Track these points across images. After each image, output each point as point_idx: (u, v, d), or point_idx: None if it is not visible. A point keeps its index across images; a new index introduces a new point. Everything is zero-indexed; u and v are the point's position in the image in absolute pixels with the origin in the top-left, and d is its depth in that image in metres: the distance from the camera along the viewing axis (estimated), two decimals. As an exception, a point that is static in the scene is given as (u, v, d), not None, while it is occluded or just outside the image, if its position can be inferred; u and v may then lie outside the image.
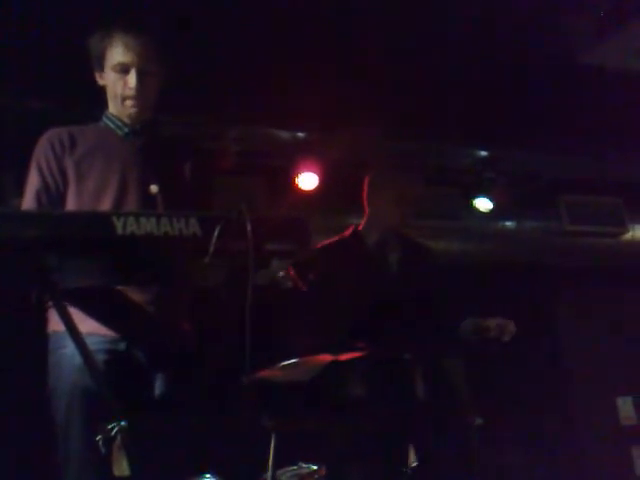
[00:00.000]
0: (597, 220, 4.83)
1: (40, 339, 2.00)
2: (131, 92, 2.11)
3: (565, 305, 5.08)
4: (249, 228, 1.51)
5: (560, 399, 4.83)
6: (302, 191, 4.12)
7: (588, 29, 3.57)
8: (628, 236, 4.93)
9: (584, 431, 4.91)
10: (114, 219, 1.49)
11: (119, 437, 1.60)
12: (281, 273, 1.63)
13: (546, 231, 4.81)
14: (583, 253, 4.94)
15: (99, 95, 2.22)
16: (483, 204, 4.55)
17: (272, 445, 2.00)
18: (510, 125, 4.04)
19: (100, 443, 1.62)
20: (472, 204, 4.56)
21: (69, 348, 1.77)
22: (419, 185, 3.03)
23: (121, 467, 1.61)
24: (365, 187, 2.91)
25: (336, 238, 2.88)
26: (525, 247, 4.81)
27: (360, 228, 2.90)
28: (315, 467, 2.67)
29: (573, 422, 4.90)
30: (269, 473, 2.04)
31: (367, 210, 2.91)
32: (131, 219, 1.50)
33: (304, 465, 2.75)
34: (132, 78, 2.09)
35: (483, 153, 4.42)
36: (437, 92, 3.75)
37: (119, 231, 1.48)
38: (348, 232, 2.91)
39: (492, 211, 4.56)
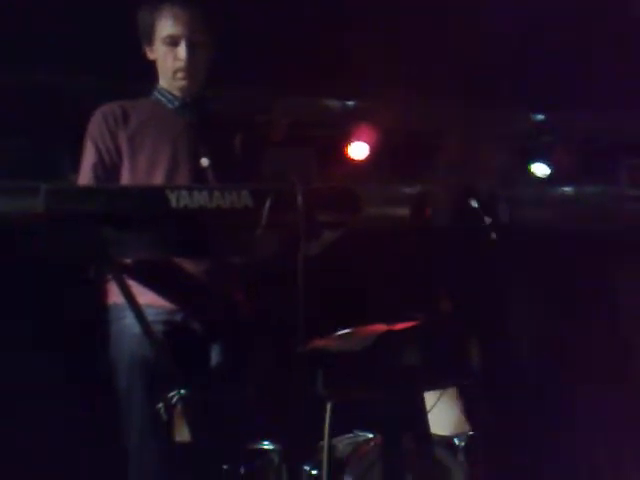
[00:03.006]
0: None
1: (101, 311, 2.06)
2: (181, 64, 2.11)
3: (626, 271, 4.95)
4: (300, 199, 1.52)
5: (621, 369, 4.72)
6: (353, 160, 4.10)
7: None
8: (693, 199, 4.75)
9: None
10: (168, 193, 1.53)
11: (179, 405, 1.65)
12: None
13: (606, 196, 4.68)
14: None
15: (151, 69, 2.24)
16: (541, 169, 4.44)
17: (328, 414, 2.02)
18: (567, 87, 3.91)
19: (161, 410, 1.66)
20: (529, 170, 4.47)
21: (129, 319, 1.82)
22: (492, 144, 2.93)
23: (182, 433, 1.66)
24: (443, 151, 2.84)
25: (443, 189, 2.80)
26: (585, 213, 4.70)
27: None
28: (371, 435, 2.70)
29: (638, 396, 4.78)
30: (325, 441, 2.06)
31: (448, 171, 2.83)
32: (184, 192, 1.53)
33: (360, 433, 2.79)
34: (182, 50, 2.10)
35: (540, 117, 4.31)
36: (492, 57, 3.65)
37: (173, 204, 1.51)
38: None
39: (550, 176, 4.46)
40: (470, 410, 2.36)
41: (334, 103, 3.91)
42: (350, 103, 3.95)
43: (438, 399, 2.36)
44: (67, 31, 3.15)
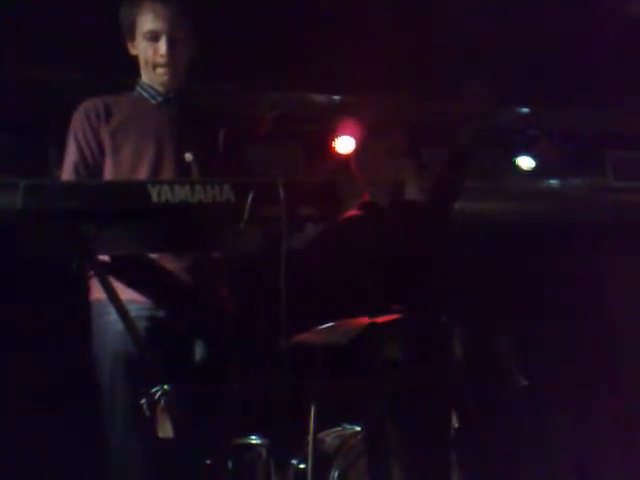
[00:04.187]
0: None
1: (83, 307, 2.05)
2: (162, 59, 2.11)
3: (611, 264, 4.99)
4: (282, 193, 1.52)
5: (608, 358, 4.77)
6: (339, 155, 4.09)
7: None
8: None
9: (633, 392, 4.84)
10: (149, 187, 1.52)
11: (162, 400, 1.65)
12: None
13: (591, 188, 4.71)
14: (629, 210, 4.83)
15: (134, 65, 2.23)
16: (526, 162, 4.46)
17: (312, 409, 2.03)
18: (553, 81, 3.93)
19: (144, 406, 1.66)
20: (515, 163, 4.49)
21: (112, 315, 1.82)
22: (406, 136, 2.91)
23: (166, 429, 1.66)
24: (355, 157, 2.84)
25: (354, 211, 2.78)
26: (570, 205, 4.73)
27: (368, 198, 2.79)
28: (359, 428, 2.71)
29: (622, 383, 4.83)
30: (310, 435, 2.07)
31: (366, 178, 2.82)
32: (166, 187, 1.52)
33: (348, 426, 2.80)
34: (162, 45, 2.10)
35: (525, 110, 4.33)
36: (476, 50, 3.66)
37: (154, 199, 1.51)
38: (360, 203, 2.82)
39: (535, 169, 4.48)
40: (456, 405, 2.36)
41: (319, 97, 3.90)
42: (336, 97, 3.94)
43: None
44: (52, 27, 3.14)
